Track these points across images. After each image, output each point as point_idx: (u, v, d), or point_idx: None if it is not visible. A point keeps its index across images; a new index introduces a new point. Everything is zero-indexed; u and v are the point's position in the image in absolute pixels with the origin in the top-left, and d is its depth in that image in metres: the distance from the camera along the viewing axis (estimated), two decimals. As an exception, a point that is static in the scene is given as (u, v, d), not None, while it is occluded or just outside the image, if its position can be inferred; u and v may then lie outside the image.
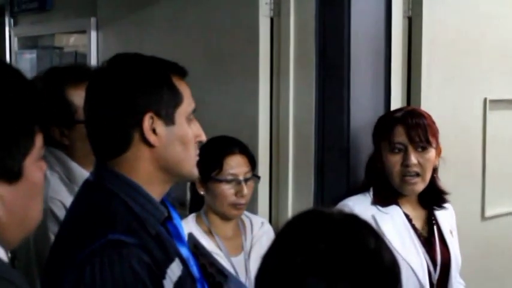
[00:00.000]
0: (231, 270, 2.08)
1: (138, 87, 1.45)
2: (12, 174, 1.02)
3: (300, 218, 1.18)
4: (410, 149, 2.11)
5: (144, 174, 1.46)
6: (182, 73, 1.52)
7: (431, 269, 2.14)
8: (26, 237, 1.93)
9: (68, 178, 2.07)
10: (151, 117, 1.43)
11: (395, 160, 2.13)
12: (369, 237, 1.11)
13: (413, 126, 2.11)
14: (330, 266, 1.05)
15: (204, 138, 1.53)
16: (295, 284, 1.06)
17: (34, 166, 1.06)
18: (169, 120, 1.45)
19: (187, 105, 1.49)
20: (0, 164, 1.00)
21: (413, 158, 2.11)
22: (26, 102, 1.05)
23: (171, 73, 1.48)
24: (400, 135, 2.12)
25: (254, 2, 2.50)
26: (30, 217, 1.09)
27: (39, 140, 1.08)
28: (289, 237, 1.15)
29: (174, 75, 1.49)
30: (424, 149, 2.13)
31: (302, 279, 1.05)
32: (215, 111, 2.60)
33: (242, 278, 2.14)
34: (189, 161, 1.50)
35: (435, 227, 2.22)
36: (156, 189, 1.48)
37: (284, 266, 1.08)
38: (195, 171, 1.53)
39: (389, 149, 2.14)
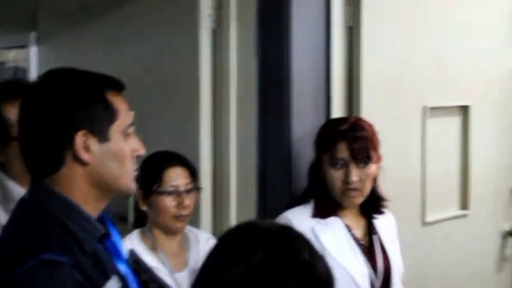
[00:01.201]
0: (174, 286, 2.07)
1: (70, 104, 1.41)
2: None
3: (234, 231, 1.19)
4: (352, 165, 2.12)
5: (80, 191, 1.43)
6: (118, 87, 1.49)
7: (373, 277, 2.15)
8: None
9: (3, 196, 2.03)
10: (84, 135, 1.40)
11: (336, 175, 2.14)
12: (304, 249, 1.11)
13: (355, 142, 2.12)
14: (265, 278, 1.06)
15: (142, 152, 1.51)
16: None
17: None
18: (103, 137, 1.43)
19: (123, 120, 1.46)
20: None
21: (355, 176, 2.11)
22: None
23: (105, 88, 1.45)
24: (343, 151, 2.12)
25: (195, 15, 2.50)
26: None
27: None
28: (224, 250, 1.15)
29: (109, 90, 1.45)
30: (366, 164, 2.13)
31: None
32: (156, 127, 2.60)
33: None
34: (125, 177, 1.47)
35: (375, 236, 2.23)
36: (92, 206, 1.46)
37: (219, 278, 1.08)
38: (132, 186, 1.51)
39: (331, 164, 2.15)
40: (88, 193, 1.44)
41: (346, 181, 2.12)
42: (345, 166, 2.13)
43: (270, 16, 2.42)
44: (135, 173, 1.51)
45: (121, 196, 1.60)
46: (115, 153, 1.44)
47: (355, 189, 2.14)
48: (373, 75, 2.63)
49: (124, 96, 1.51)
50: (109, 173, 1.45)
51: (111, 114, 1.44)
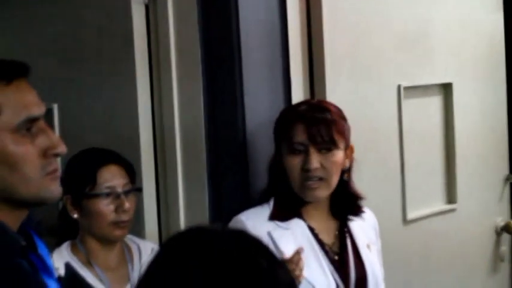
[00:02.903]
0: None
1: None
2: None
3: (179, 238, 1.18)
4: (312, 150, 2.12)
5: None
6: (6, 75, 1.44)
7: None
8: None
9: None
10: None
11: (294, 163, 2.14)
12: (260, 256, 1.11)
13: (315, 123, 2.12)
14: None
15: (60, 149, 1.47)
16: None
17: None
18: None
19: (11, 115, 1.42)
20: None
21: (315, 162, 2.11)
22: None
23: None
24: (301, 134, 2.13)
25: None
26: None
27: None
28: (166, 260, 1.14)
29: None
30: (329, 150, 2.14)
31: None
32: (84, 120, 2.60)
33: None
34: (26, 183, 1.45)
35: (348, 241, 2.24)
36: (7, 218, 1.45)
37: None
38: (42, 192, 1.47)
39: (289, 150, 2.15)
40: None
41: (305, 168, 2.12)
42: (304, 152, 2.14)
43: None
44: (57, 175, 1.48)
45: (47, 205, 1.55)
46: (5, 156, 1.41)
47: (317, 179, 2.13)
48: (338, 52, 2.64)
49: (27, 82, 1.47)
50: (5, 181, 1.43)
51: None
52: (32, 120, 1.45)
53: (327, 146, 2.14)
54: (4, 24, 3.03)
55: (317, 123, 2.13)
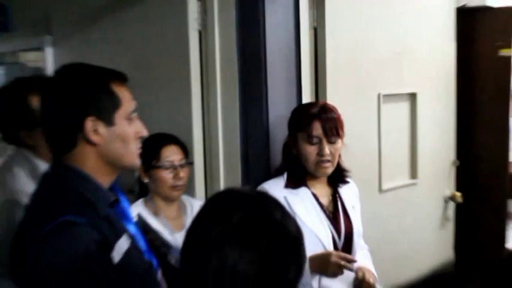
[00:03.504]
0: (175, 243, 2.10)
1: (79, 94, 1.43)
2: None
3: (218, 196, 1.19)
4: (325, 141, 2.13)
5: (92, 166, 1.46)
6: (121, 79, 1.50)
7: (336, 237, 2.15)
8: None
9: (32, 171, 2.06)
10: (92, 121, 1.43)
11: (311, 150, 2.14)
12: (276, 210, 1.12)
13: (327, 122, 2.13)
14: (243, 235, 1.06)
15: (144, 133, 1.53)
16: (215, 252, 1.05)
17: None
18: (109, 122, 1.45)
19: (126, 107, 1.48)
20: None
21: (327, 150, 2.13)
22: None
23: (110, 80, 1.47)
24: (317, 129, 2.13)
25: (184, 18, 2.49)
26: None
27: None
28: (208, 211, 1.15)
29: (113, 82, 1.47)
30: (335, 140, 2.15)
31: (221, 247, 1.05)
32: (155, 113, 2.58)
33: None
34: (130, 155, 1.50)
35: (339, 203, 2.23)
36: (104, 178, 1.49)
37: (204, 236, 1.08)
38: (136, 162, 1.53)
39: (307, 141, 2.14)
40: (100, 168, 1.47)
41: (320, 154, 2.13)
42: (319, 142, 2.13)
43: (247, 17, 2.41)
44: (139, 152, 1.52)
45: (128, 171, 1.61)
46: (120, 135, 1.46)
47: (328, 161, 2.15)
48: (336, 69, 2.64)
49: (128, 87, 1.52)
50: (115, 152, 1.47)
51: (115, 103, 1.46)
52: (133, 112, 1.50)
53: (335, 138, 2.15)
54: (98, 43, 3.05)
55: (329, 121, 2.14)
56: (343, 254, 2.07)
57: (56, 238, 1.33)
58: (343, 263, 2.02)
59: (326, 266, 2.03)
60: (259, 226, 1.08)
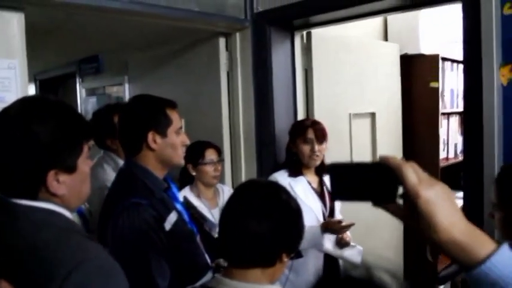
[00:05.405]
0: (211, 217, 2.04)
1: (144, 116, 1.41)
2: (70, 168, 0.92)
3: (243, 185, 1.16)
4: (316, 142, 2.09)
5: (152, 164, 1.43)
6: (173, 105, 1.48)
7: (324, 210, 2.12)
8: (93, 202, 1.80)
9: (116, 168, 2.03)
10: (153, 134, 1.40)
11: (306, 148, 2.10)
12: (283, 193, 1.10)
13: (318, 130, 2.11)
14: (260, 210, 1.04)
15: (187, 142, 1.50)
16: (242, 221, 1.04)
17: (84, 163, 0.95)
18: (164, 135, 1.42)
19: (175, 124, 1.45)
20: (64, 162, 0.90)
21: (317, 148, 2.09)
22: (77, 126, 0.94)
23: (165, 106, 1.44)
24: (311, 134, 2.09)
25: (217, 63, 2.48)
26: (82, 193, 0.97)
27: (85, 148, 0.96)
28: (237, 196, 1.11)
29: (167, 107, 1.44)
30: (322, 142, 2.11)
31: (246, 218, 1.03)
32: (198, 128, 2.53)
33: (217, 222, 2.07)
34: (177, 157, 1.46)
35: (324, 187, 2.19)
36: (159, 172, 1.45)
37: (235, 212, 1.06)
38: (181, 162, 1.49)
39: (303, 142, 2.11)
40: (157, 165, 1.43)
41: (312, 151, 2.08)
42: (312, 143, 2.09)
43: (259, 61, 2.38)
44: (183, 155, 1.48)
45: (176, 167, 1.59)
46: (170, 144, 1.42)
47: (317, 156, 2.10)
48: (320, 96, 2.57)
49: (177, 110, 1.48)
50: (167, 155, 1.43)
51: (168, 121, 1.42)
52: (180, 128, 1.46)
53: (322, 141, 2.11)
54: (161, 80, 2.98)
55: (319, 129, 2.10)
56: (334, 219, 2.05)
57: (127, 214, 1.30)
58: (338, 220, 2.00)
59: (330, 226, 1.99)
60: (270, 202, 1.06)
